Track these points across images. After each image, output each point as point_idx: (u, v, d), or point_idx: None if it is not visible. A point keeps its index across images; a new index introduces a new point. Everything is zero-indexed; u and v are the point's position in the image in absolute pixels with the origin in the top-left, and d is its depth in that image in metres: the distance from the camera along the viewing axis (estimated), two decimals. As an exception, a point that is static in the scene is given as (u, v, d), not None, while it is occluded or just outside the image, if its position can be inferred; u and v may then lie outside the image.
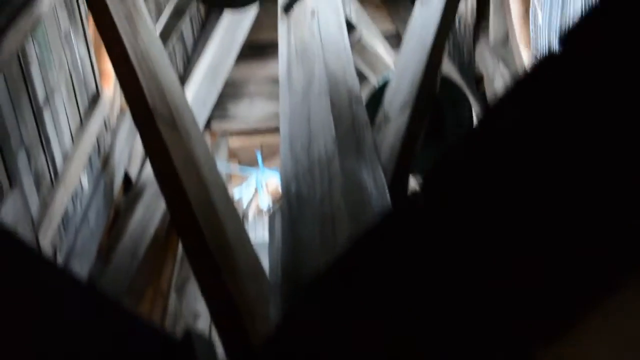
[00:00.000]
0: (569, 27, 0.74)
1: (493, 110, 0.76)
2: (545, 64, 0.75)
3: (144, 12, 2.99)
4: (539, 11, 4.38)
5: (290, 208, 2.18)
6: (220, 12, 6.07)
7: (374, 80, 3.92)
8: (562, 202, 0.69)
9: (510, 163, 0.73)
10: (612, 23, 0.71)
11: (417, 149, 2.48)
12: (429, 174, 0.81)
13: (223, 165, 6.35)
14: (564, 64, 0.74)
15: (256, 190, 6.46)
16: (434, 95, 2.72)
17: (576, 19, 0.72)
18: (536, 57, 0.75)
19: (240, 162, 6.80)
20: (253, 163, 6.74)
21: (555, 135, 0.73)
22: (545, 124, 0.73)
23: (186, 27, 6.30)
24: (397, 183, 2.41)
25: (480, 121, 0.78)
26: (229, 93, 6.40)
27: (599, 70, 0.72)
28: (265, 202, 6.52)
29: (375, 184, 2.13)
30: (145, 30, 2.85)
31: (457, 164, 0.78)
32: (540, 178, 0.72)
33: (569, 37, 0.74)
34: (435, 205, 0.79)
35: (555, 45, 0.73)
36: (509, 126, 0.74)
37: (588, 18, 0.71)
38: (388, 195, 2.13)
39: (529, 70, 0.76)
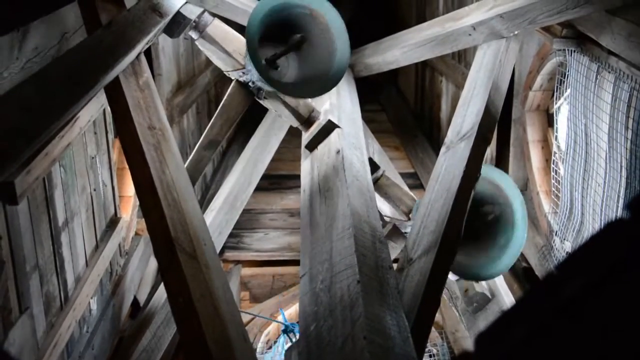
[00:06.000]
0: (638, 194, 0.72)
1: (557, 277, 0.73)
2: (613, 230, 0.72)
3: (173, 142, 3.04)
4: (560, 163, 4.44)
5: (309, 349, 2.10)
6: (241, 143, 6.21)
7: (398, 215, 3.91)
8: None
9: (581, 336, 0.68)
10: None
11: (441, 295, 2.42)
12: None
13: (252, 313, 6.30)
14: (634, 229, 0.72)
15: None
16: (459, 240, 2.70)
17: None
18: (604, 224, 0.73)
19: (251, 292, 6.70)
20: (264, 293, 6.65)
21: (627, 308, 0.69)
22: (616, 292, 0.69)
23: (207, 155, 6.42)
24: (419, 329, 2.34)
25: (543, 285, 0.74)
26: (245, 223, 6.42)
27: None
28: None
29: (399, 330, 2.06)
30: (173, 160, 2.89)
31: (515, 331, 0.74)
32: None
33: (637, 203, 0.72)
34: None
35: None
36: (578, 294, 0.70)
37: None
38: (411, 342, 2.06)
39: (595, 237, 0.73)
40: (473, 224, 3.15)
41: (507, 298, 4.25)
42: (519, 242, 3.45)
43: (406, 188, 4.08)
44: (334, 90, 4.12)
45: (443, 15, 4.45)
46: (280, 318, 6.31)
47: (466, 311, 4.48)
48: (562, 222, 4.33)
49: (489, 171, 3.52)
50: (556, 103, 4.55)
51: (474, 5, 4.09)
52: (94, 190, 4.04)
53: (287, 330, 6.20)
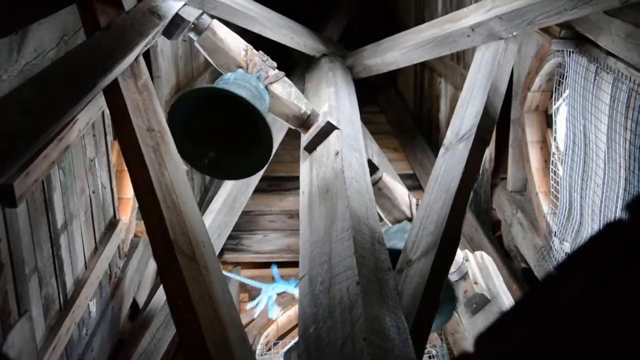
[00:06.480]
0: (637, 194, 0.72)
1: (557, 277, 0.73)
2: (612, 231, 0.72)
3: (171, 144, 3.04)
4: (559, 164, 4.45)
5: (309, 351, 2.10)
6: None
7: (390, 222, 3.91)
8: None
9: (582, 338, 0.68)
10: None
11: (440, 296, 2.42)
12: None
13: (237, 277, 6.28)
14: (633, 230, 0.72)
15: (267, 304, 6.36)
16: (458, 241, 2.70)
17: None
18: (603, 225, 0.73)
19: (250, 293, 6.70)
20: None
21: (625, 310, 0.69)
22: (615, 295, 0.69)
23: (206, 157, 6.42)
24: (418, 331, 2.34)
25: (542, 286, 0.74)
26: (244, 224, 6.42)
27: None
28: (275, 314, 6.41)
29: (398, 331, 2.05)
30: (171, 162, 2.89)
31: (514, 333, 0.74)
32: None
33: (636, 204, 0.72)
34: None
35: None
36: (577, 295, 0.70)
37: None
38: (411, 343, 2.06)
39: (594, 237, 0.73)
40: None
41: (506, 299, 4.24)
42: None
43: (405, 190, 4.07)
44: (332, 91, 4.13)
45: (442, 17, 4.46)
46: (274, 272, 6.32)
47: (465, 312, 4.48)
48: (561, 223, 4.33)
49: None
50: (555, 104, 4.55)
51: (472, 7, 4.09)
52: (93, 192, 4.04)
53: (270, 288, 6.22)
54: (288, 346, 5.82)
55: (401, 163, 7.25)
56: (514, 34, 3.81)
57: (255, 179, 4.96)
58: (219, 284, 2.47)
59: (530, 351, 0.71)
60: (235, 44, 3.59)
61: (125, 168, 3.22)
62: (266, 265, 6.60)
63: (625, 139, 3.43)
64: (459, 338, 5.86)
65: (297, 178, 3.54)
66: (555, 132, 4.61)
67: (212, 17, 3.70)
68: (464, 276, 3.75)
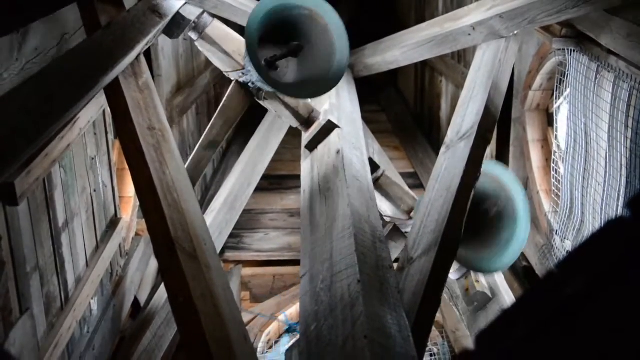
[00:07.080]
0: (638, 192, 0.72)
1: (558, 276, 0.73)
2: (613, 228, 0.72)
3: (173, 142, 3.04)
4: (560, 162, 4.45)
5: (310, 349, 2.10)
6: (241, 144, 6.21)
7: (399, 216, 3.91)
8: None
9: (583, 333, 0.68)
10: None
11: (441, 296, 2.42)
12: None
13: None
14: (634, 228, 0.72)
15: None
16: (459, 239, 2.70)
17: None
18: (605, 223, 0.73)
19: (251, 292, 6.70)
20: (265, 293, 6.65)
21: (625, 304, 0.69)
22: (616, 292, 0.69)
23: (207, 156, 6.42)
24: (419, 328, 2.34)
25: (544, 284, 0.74)
26: (245, 223, 6.42)
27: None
28: None
29: (399, 329, 2.06)
30: (172, 160, 2.89)
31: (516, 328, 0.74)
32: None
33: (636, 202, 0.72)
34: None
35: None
36: (578, 293, 0.70)
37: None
38: (412, 341, 2.06)
39: (595, 235, 0.73)
40: (477, 220, 3.16)
41: (507, 297, 4.25)
42: (522, 236, 3.44)
43: (407, 188, 4.08)
44: (333, 90, 4.12)
45: (442, 16, 4.45)
46: (281, 318, 6.32)
47: (467, 310, 4.49)
48: (562, 221, 4.33)
49: (490, 167, 3.51)
50: (556, 102, 4.55)
51: (473, 5, 4.09)
52: (94, 191, 4.04)
53: (290, 331, 6.20)
54: (289, 344, 5.81)
55: (402, 162, 7.26)
56: (515, 32, 3.81)
57: (256, 178, 4.95)
58: (220, 282, 2.47)
59: (531, 348, 0.71)
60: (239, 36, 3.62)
61: (127, 166, 3.23)
62: (267, 263, 6.61)
63: (627, 137, 3.43)
64: (460, 336, 5.86)
65: (298, 176, 3.54)
66: (557, 131, 4.61)
67: (213, 15, 3.71)
68: (465, 274, 3.75)
